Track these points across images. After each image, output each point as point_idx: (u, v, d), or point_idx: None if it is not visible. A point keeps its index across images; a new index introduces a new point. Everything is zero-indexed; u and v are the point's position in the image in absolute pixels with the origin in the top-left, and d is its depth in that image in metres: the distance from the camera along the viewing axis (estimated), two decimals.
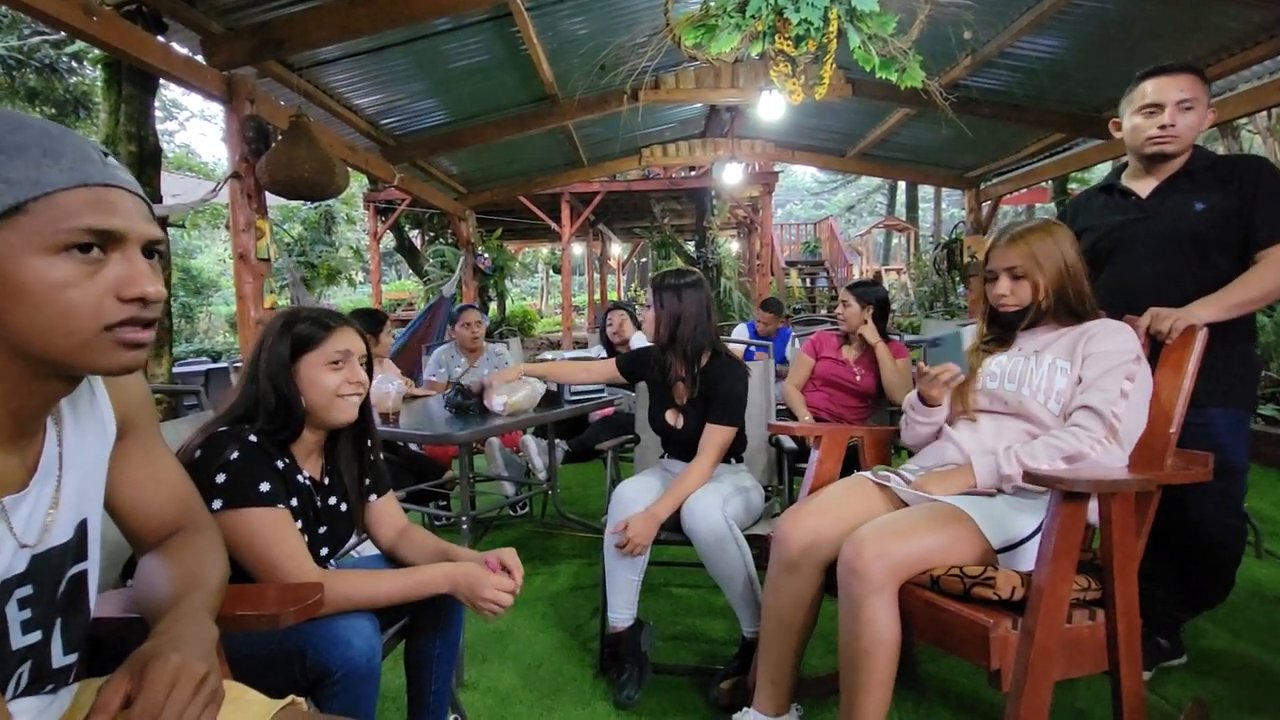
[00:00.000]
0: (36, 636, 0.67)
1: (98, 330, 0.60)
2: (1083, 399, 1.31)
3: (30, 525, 0.66)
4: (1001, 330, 1.51)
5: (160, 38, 2.92)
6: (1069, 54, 3.89)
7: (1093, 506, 1.19)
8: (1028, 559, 1.20)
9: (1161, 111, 1.58)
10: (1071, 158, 5.50)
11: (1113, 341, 1.33)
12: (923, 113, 4.89)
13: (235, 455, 1.06)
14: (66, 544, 0.70)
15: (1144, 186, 1.68)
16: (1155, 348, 1.43)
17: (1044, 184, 7.13)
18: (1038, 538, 1.20)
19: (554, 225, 9.57)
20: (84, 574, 0.73)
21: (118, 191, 0.62)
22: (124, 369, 0.63)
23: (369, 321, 2.92)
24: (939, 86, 3.15)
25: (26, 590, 0.65)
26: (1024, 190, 7.06)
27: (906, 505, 1.40)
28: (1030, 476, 1.13)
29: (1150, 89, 1.60)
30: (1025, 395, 1.39)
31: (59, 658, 0.71)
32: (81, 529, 0.73)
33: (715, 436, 1.82)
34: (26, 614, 0.66)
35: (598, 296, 15.73)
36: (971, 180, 6.52)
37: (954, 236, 7.94)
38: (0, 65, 7.66)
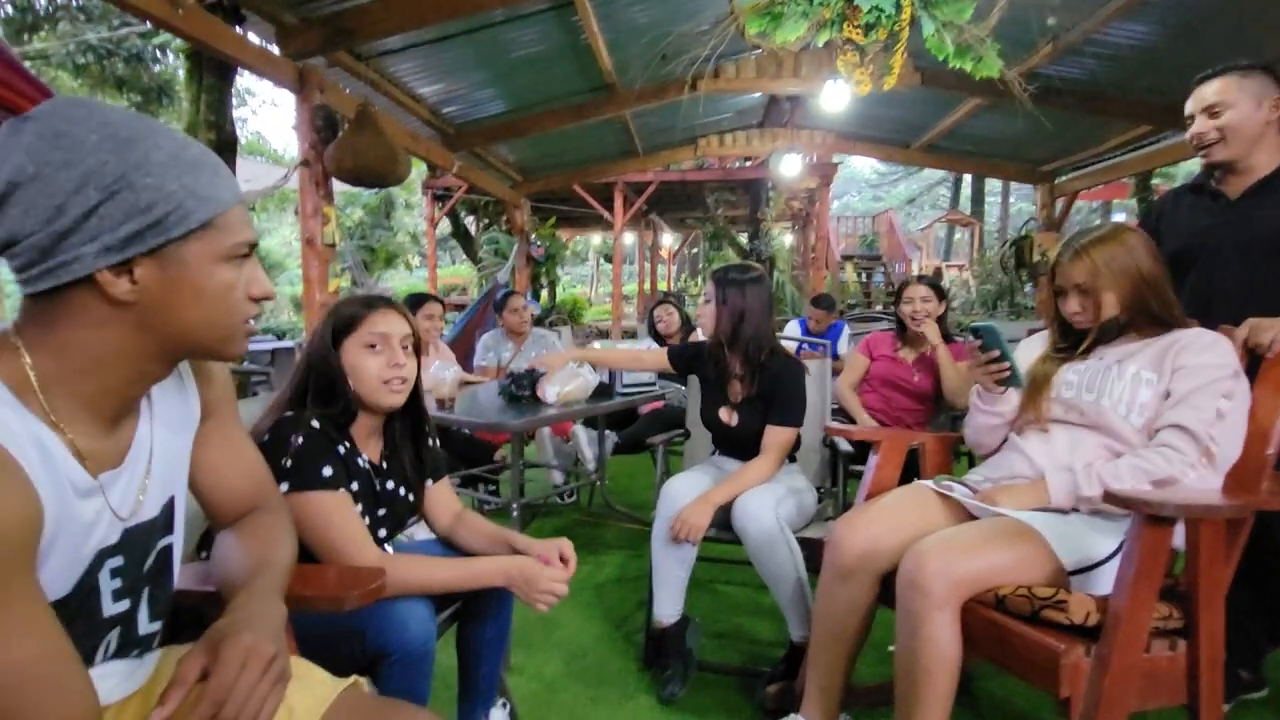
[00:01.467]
0: (125, 604, 0.71)
1: (239, 323, 0.71)
2: (1173, 417, 1.22)
3: (124, 500, 0.70)
4: (1077, 342, 1.42)
5: (238, 29, 3.04)
6: (1162, 40, 3.64)
7: (1178, 530, 1.12)
8: (1104, 583, 1.13)
9: (1194, 123, 1.58)
10: (1158, 152, 5.17)
11: (1208, 355, 1.24)
12: (996, 103, 4.66)
13: (300, 441, 1.10)
14: (155, 519, 0.74)
15: (1235, 187, 1.59)
16: (1253, 361, 1.33)
17: (1125, 180, 6.73)
18: (1115, 561, 1.13)
19: (606, 214, 9.58)
20: (170, 547, 0.78)
21: (244, 205, 0.71)
22: (242, 354, 0.75)
23: (406, 304, 2.97)
24: (1017, 76, 3.00)
25: (118, 561, 0.69)
26: (1101, 186, 6.68)
27: (969, 517, 1.34)
28: (1110, 497, 1.06)
29: (1187, 105, 1.60)
30: (1105, 406, 1.30)
31: (145, 625, 0.75)
32: (169, 506, 0.76)
33: (779, 438, 1.79)
34: (117, 583, 0.70)
35: (647, 286, 15.73)
36: (1045, 174, 6.20)
37: (1023, 234, 7.59)
38: (92, 54, 8.12)
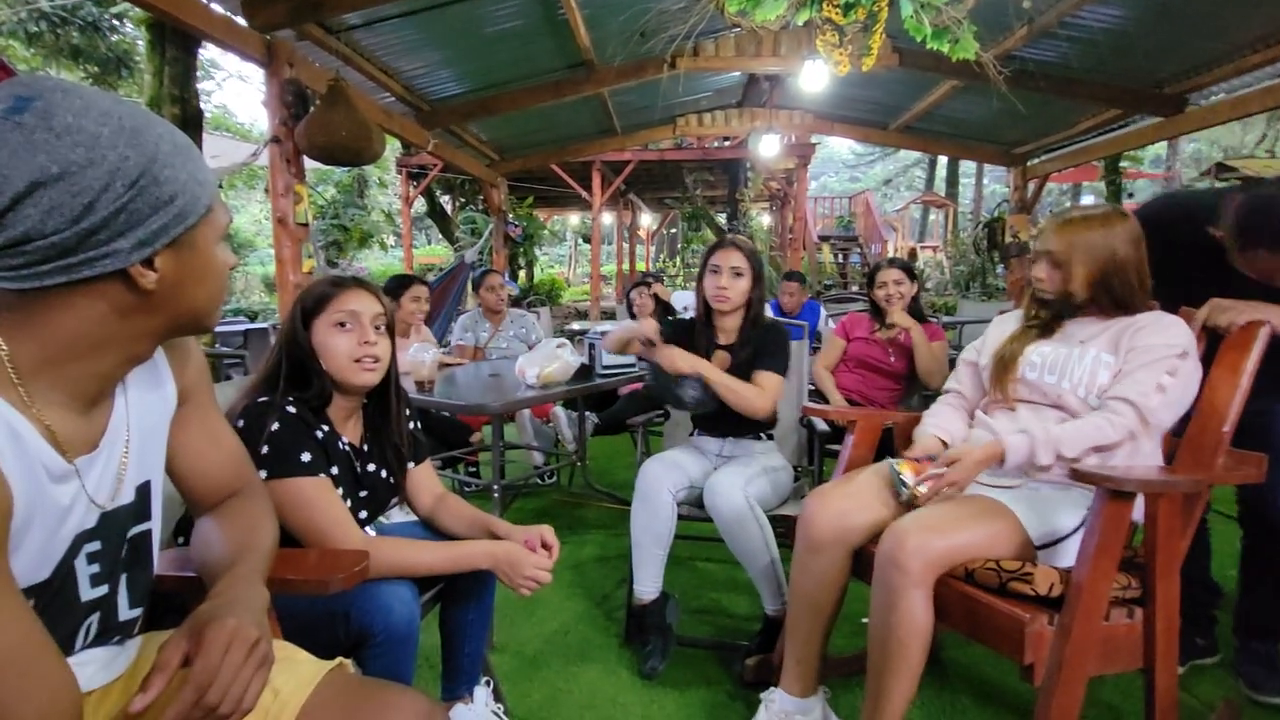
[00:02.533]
0: (104, 590, 0.71)
1: (226, 295, 0.75)
2: (1117, 389, 1.28)
3: (101, 485, 0.69)
4: (1046, 314, 1.47)
5: None
6: (1133, 24, 3.68)
7: (1138, 504, 1.16)
8: (1068, 555, 1.18)
9: None
10: (1127, 135, 5.26)
11: (1161, 336, 1.28)
12: (971, 85, 4.68)
13: (276, 426, 1.09)
14: (130, 504, 0.73)
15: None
16: (1212, 343, 1.37)
17: (1094, 162, 6.84)
18: (1079, 534, 1.18)
19: (585, 194, 9.50)
20: (147, 533, 0.77)
21: None
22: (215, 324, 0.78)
23: (391, 286, 2.95)
24: (992, 58, 3.02)
25: (95, 545, 0.69)
26: (1071, 168, 6.78)
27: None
28: (1076, 474, 1.10)
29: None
30: (1065, 389, 1.35)
31: (125, 611, 0.74)
32: (144, 490, 0.75)
33: (769, 381, 1.83)
34: (95, 568, 0.69)
35: (626, 266, 15.68)
36: (1018, 157, 6.28)
37: (996, 215, 7.70)
38: (45, 22, 7.75)
